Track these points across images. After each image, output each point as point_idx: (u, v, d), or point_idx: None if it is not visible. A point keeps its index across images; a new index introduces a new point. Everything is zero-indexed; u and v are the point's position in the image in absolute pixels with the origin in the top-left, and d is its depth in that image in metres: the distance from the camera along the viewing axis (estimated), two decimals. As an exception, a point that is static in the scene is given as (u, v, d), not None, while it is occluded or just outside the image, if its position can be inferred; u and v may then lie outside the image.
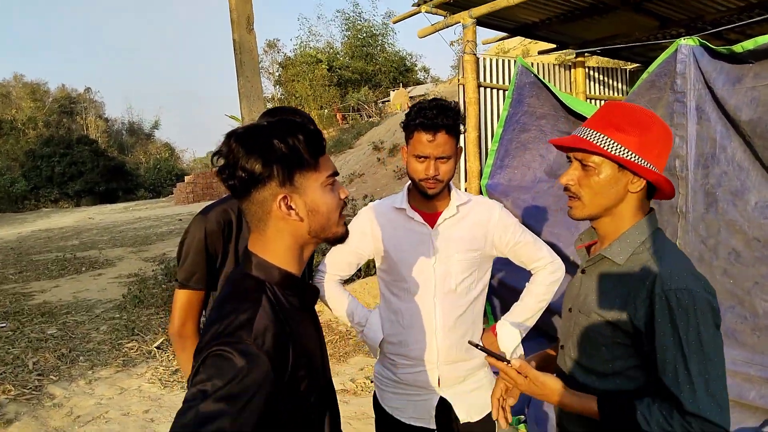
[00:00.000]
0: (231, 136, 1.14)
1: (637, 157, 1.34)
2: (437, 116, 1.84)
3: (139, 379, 5.24)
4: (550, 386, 1.39)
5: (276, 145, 1.13)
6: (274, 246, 1.20)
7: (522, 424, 3.55)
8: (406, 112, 1.95)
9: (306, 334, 1.22)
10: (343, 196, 1.26)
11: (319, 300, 2.14)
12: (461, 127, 1.93)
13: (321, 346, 1.28)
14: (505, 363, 1.43)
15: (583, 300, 1.47)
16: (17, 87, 48.00)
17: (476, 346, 1.51)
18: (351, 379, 4.84)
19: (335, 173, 1.24)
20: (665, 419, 1.25)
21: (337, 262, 2.13)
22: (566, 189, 1.44)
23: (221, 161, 1.15)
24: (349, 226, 2.10)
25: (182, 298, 2.01)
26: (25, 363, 5.64)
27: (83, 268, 11.07)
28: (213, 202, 2.08)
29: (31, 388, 5.05)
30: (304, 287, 1.26)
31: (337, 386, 4.70)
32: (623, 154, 1.35)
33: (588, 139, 1.39)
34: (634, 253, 1.38)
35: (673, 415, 1.25)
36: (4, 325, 7.06)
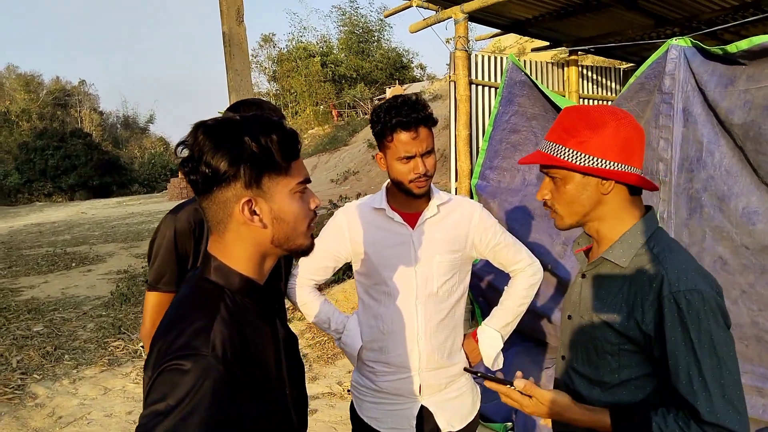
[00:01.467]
0: (199, 127, 1.06)
1: (596, 159, 1.30)
2: (412, 112, 1.78)
3: (124, 379, 5.17)
4: (560, 403, 1.33)
5: (247, 142, 1.04)
6: (234, 251, 1.12)
7: (510, 431, 3.49)
8: (370, 118, 1.87)
9: (263, 343, 1.15)
10: (313, 206, 1.18)
11: (294, 305, 2.08)
12: (434, 117, 1.86)
13: (278, 357, 1.21)
14: (508, 386, 1.36)
15: (585, 306, 1.41)
16: (11, 78, 47.73)
17: (473, 373, 1.44)
18: (338, 381, 4.78)
19: (307, 180, 1.16)
20: (681, 430, 1.20)
21: (312, 267, 2.06)
22: (545, 204, 1.43)
23: (185, 152, 1.07)
24: (324, 228, 2.05)
25: (152, 299, 1.96)
26: (8, 361, 5.56)
27: (73, 264, 10.98)
28: (184, 200, 2.01)
29: (13, 387, 4.98)
30: (264, 295, 1.19)
31: (323, 389, 4.64)
32: (580, 160, 1.31)
33: (547, 152, 1.37)
34: (637, 254, 1.33)
35: (690, 425, 1.20)
36: (-11, 321, 6.98)
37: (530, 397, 1.34)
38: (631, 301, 1.30)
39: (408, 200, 1.93)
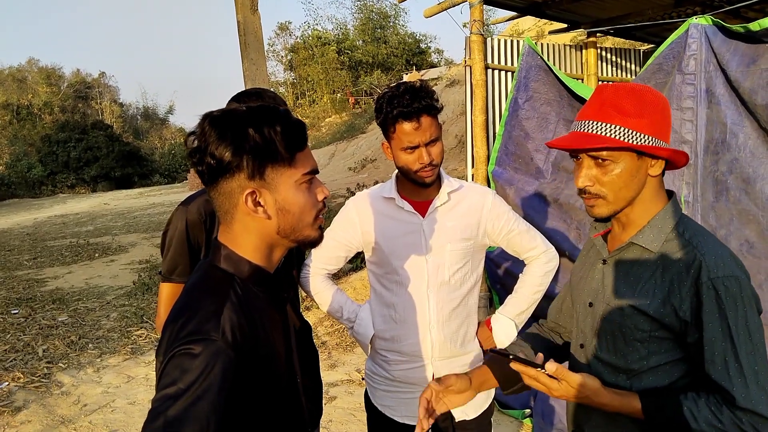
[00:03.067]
0: (206, 118, 1.08)
1: (652, 138, 1.25)
2: (413, 101, 1.75)
3: (147, 367, 5.26)
4: (590, 387, 1.28)
5: (250, 134, 1.06)
6: (242, 241, 1.14)
7: (528, 418, 3.48)
8: (375, 108, 1.85)
9: (273, 330, 1.17)
10: (321, 197, 1.18)
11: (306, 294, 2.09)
12: (439, 105, 1.83)
13: (289, 345, 1.22)
14: (537, 369, 1.29)
15: (610, 293, 1.37)
16: (32, 72, 48.28)
17: (500, 353, 1.37)
18: (357, 369, 4.81)
19: (314, 171, 1.16)
20: (714, 415, 1.20)
21: (324, 256, 2.06)
22: (583, 191, 1.34)
23: (195, 143, 1.09)
24: (336, 218, 2.05)
25: (166, 291, 1.98)
26: (35, 350, 5.69)
27: (96, 254, 11.16)
28: (195, 192, 2.02)
29: (40, 375, 5.09)
30: (274, 283, 1.20)
31: (342, 376, 4.67)
32: (641, 140, 1.25)
33: (596, 132, 1.28)
34: (667, 239, 1.31)
35: (722, 410, 1.20)
36: (16, 311, 7.13)
37: (558, 380, 1.29)
38: (666, 288, 1.27)
39: (417, 189, 1.91)
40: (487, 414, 2.04)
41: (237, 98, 2.00)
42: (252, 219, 1.11)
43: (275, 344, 1.16)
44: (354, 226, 2.00)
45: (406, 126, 1.77)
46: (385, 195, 1.97)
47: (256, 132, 1.06)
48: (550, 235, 3.28)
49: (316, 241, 1.19)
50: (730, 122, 2.78)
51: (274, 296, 1.20)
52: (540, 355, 1.37)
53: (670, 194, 1.38)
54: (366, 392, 2.13)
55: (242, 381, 1.02)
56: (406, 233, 1.92)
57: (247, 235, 1.13)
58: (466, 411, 1.99)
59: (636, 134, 1.24)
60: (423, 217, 1.92)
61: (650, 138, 1.25)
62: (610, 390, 1.30)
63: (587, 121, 1.29)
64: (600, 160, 1.29)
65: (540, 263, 2.01)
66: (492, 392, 2.08)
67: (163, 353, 1.01)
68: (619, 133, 1.25)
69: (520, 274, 2.07)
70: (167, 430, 0.90)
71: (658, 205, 1.34)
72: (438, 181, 1.93)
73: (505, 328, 2.01)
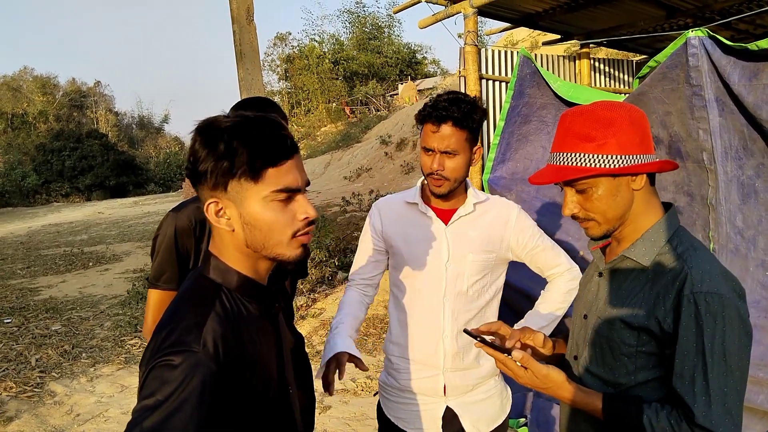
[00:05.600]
0: (197, 127, 1.09)
1: (622, 157, 1.25)
2: (447, 107, 1.76)
3: (140, 376, 5.23)
4: (553, 379, 1.30)
5: (219, 146, 1.04)
6: (224, 250, 1.14)
7: (523, 427, 3.47)
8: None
9: (263, 342, 1.15)
10: (301, 217, 1.12)
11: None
12: (473, 122, 1.80)
13: (281, 358, 1.21)
14: (505, 354, 1.33)
15: (603, 306, 1.38)
16: (27, 81, 48.18)
17: (470, 334, 1.41)
18: (352, 378, 4.80)
19: (290, 189, 1.10)
20: (672, 428, 1.19)
21: (362, 264, 2.06)
22: (574, 217, 1.36)
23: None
24: (365, 224, 2.05)
25: (153, 297, 1.97)
26: (27, 360, 5.65)
27: (90, 263, 11.12)
28: (187, 199, 2.01)
29: (32, 385, 5.05)
30: (266, 294, 1.19)
31: (337, 385, 4.65)
32: (609, 163, 1.26)
33: (566, 164, 1.30)
34: (660, 252, 1.30)
35: (681, 425, 1.19)
36: (9, 320, 7.08)
37: (526, 368, 1.31)
38: (652, 300, 1.27)
39: (439, 197, 1.91)
40: (500, 430, 2.01)
41: (235, 109, 1.99)
42: (222, 229, 1.12)
43: (265, 356, 1.15)
44: (378, 229, 2.02)
45: (428, 127, 1.82)
46: (408, 200, 1.98)
47: (224, 145, 1.04)
48: (561, 238, 3.29)
49: (295, 260, 1.15)
50: (747, 130, 2.80)
51: (265, 307, 1.19)
52: (518, 343, 1.40)
53: (669, 206, 1.38)
54: (379, 404, 2.10)
55: (227, 393, 1.01)
56: (428, 239, 1.91)
57: (224, 246, 1.13)
58: (477, 426, 1.95)
59: (604, 157, 1.25)
60: (446, 224, 1.92)
61: (620, 157, 1.25)
62: (574, 385, 1.32)
63: (558, 153, 1.32)
64: (579, 189, 1.31)
65: (564, 280, 1.98)
66: (507, 407, 2.05)
67: (145, 364, 1.01)
68: (587, 161, 1.26)
69: (542, 291, 2.04)
70: None
71: (650, 218, 1.34)
72: (464, 193, 1.93)
73: None
